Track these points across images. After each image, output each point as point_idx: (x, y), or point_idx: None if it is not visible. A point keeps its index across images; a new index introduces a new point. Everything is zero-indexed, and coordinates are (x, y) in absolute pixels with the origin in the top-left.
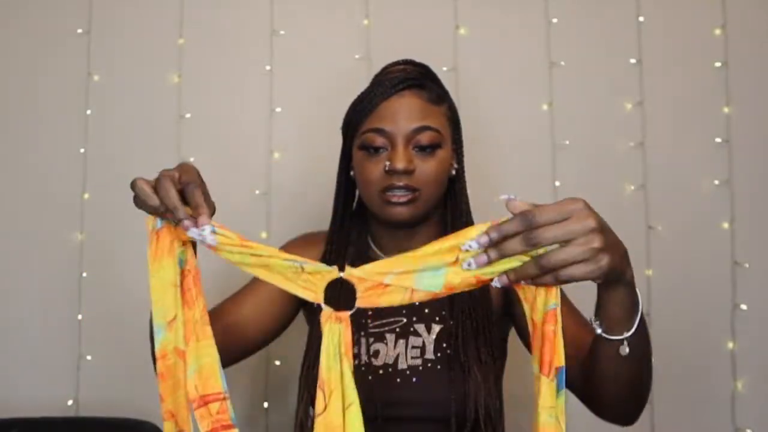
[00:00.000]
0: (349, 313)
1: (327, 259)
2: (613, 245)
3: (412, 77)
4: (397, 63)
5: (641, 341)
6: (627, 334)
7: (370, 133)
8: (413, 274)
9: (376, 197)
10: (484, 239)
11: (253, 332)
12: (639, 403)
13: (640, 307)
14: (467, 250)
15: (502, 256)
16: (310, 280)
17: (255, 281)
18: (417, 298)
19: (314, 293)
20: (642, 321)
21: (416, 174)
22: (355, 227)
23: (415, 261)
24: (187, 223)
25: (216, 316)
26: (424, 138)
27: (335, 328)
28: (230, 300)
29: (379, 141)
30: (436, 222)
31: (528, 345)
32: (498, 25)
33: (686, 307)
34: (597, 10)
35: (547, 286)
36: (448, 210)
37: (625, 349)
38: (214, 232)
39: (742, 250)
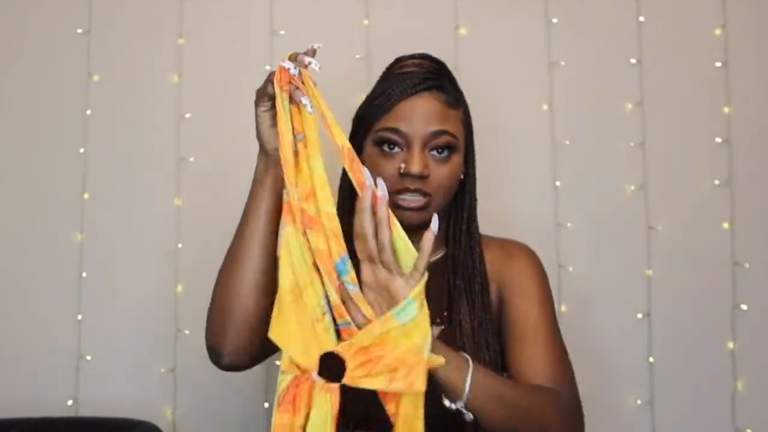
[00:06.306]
0: (338, 384)
1: None
2: None
3: (432, 77)
4: (413, 56)
5: (488, 403)
6: (460, 403)
7: (387, 131)
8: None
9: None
10: None
11: None
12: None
13: (469, 373)
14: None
15: None
16: (318, 336)
17: None
18: (394, 387)
19: (311, 360)
20: (481, 385)
21: (430, 179)
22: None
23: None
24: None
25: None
26: (441, 142)
27: (326, 398)
28: None
29: (395, 140)
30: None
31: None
32: (498, 25)
33: (686, 307)
34: (597, 10)
35: None
36: (451, 214)
37: (469, 416)
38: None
39: (742, 250)
